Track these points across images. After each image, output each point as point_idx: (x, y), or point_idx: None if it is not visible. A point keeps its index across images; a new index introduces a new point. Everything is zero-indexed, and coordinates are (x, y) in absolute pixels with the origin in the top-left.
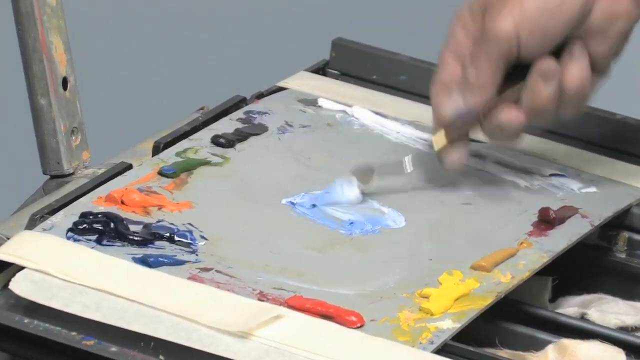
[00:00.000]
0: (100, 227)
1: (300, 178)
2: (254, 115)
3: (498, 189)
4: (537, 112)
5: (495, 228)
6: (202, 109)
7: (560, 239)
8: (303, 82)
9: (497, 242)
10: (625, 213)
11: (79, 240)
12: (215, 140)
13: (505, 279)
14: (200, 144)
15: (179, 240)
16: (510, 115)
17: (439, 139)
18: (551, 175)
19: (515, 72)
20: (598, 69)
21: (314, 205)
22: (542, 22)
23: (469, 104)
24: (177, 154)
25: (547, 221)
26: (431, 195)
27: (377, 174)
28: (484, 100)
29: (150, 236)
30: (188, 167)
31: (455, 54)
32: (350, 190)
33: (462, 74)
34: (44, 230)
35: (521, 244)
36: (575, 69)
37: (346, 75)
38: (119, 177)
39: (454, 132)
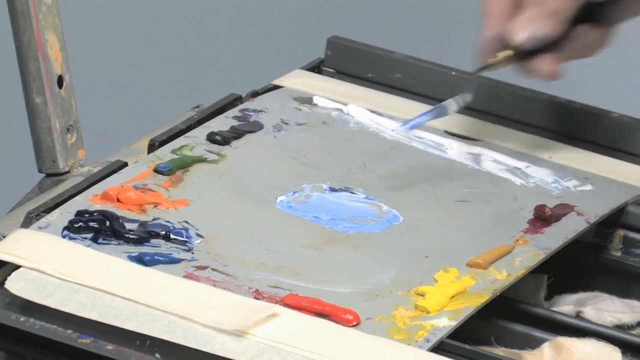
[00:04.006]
0: (96, 226)
1: (295, 176)
2: (250, 113)
3: (494, 186)
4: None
5: (491, 225)
6: (197, 107)
7: (556, 237)
8: (298, 81)
9: (493, 240)
10: (621, 211)
11: (74, 239)
12: (211, 138)
13: (501, 276)
14: (195, 141)
15: (174, 239)
16: (545, 66)
17: (501, 55)
18: (547, 173)
19: None
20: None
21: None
22: None
23: (546, 32)
24: (173, 151)
25: (543, 218)
26: (427, 193)
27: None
28: (561, 29)
29: (146, 234)
30: (184, 164)
31: None
32: None
33: (532, 1)
34: (40, 228)
35: (517, 241)
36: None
37: (341, 74)
38: (115, 175)
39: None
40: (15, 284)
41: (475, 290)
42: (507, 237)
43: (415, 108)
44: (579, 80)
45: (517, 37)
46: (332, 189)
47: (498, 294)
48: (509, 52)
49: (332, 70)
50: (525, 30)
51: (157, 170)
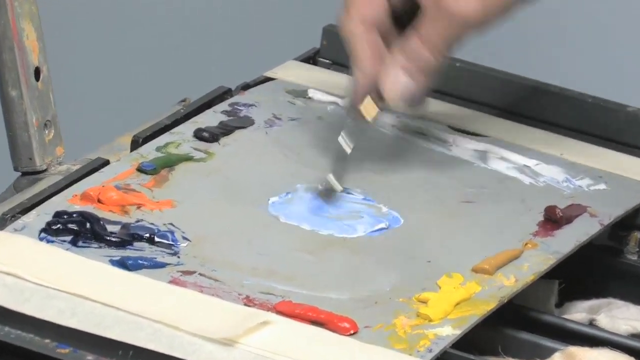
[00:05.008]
0: (76, 228)
1: (289, 175)
2: (240, 108)
3: (501, 186)
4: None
5: (498, 228)
6: (184, 101)
7: (568, 240)
8: (292, 72)
9: (500, 243)
10: (636, 212)
11: (52, 242)
12: (198, 134)
13: (509, 282)
14: (182, 138)
15: (159, 242)
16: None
17: (371, 108)
18: (557, 171)
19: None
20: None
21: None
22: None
23: (421, 85)
24: (158, 149)
25: (553, 220)
26: (430, 193)
27: (336, 177)
28: (433, 80)
29: (128, 237)
30: (169, 162)
31: (369, 24)
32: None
33: (405, 52)
34: (15, 230)
35: (526, 244)
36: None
37: (338, 65)
38: (95, 174)
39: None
40: None
41: (481, 297)
42: (515, 240)
43: None
44: (592, 72)
45: (393, 98)
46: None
47: (505, 301)
48: (379, 101)
49: (328, 61)
50: (401, 91)
51: (140, 169)
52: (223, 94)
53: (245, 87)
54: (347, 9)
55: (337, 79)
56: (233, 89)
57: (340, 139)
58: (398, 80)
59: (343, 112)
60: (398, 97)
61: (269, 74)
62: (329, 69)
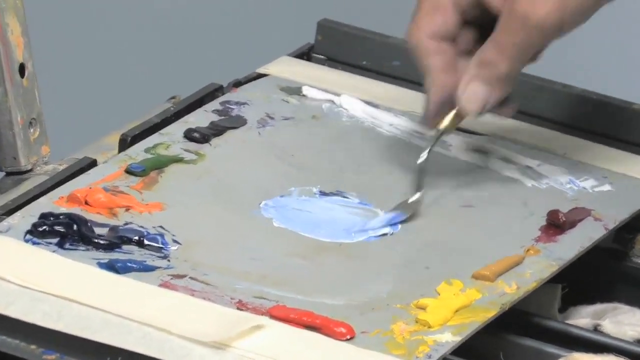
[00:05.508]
0: (62, 230)
1: (282, 178)
2: (232, 106)
3: (502, 188)
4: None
5: (499, 233)
6: (173, 98)
7: (571, 245)
8: (286, 69)
9: (501, 249)
10: None
11: (38, 244)
12: (189, 135)
13: (510, 289)
14: (171, 138)
15: (149, 245)
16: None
17: (449, 123)
18: (560, 172)
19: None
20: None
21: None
22: (584, 4)
23: (498, 94)
24: (147, 150)
25: (556, 225)
26: (428, 197)
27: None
28: (512, 88)
29: (117, 240)
30: (158, 164)
31: (438, 36)
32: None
33: (480, 62)
34: (0, 232)
35: (528, 250)
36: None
37: (333, 61)
38: (82, 175)
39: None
40: None
41: (481, 304)
42: (516, 246)
43: (414, 99)
44: (596, 69)
45: (470, 109)
46: (323, 193)
47: (507, 308)
48: (455, 113)
49: (322, 57)
50: (477, 101)
51: (129, 171)
52: (214, 91)
53: (237, 84)
54: (415, 21)
55: (332, 76)
56: (224, 85)
57: (422, 155)
58: (475, 91)
59: (337, 111)
60: (476, 108)
61: (261, 70)
62: (323, 65)
